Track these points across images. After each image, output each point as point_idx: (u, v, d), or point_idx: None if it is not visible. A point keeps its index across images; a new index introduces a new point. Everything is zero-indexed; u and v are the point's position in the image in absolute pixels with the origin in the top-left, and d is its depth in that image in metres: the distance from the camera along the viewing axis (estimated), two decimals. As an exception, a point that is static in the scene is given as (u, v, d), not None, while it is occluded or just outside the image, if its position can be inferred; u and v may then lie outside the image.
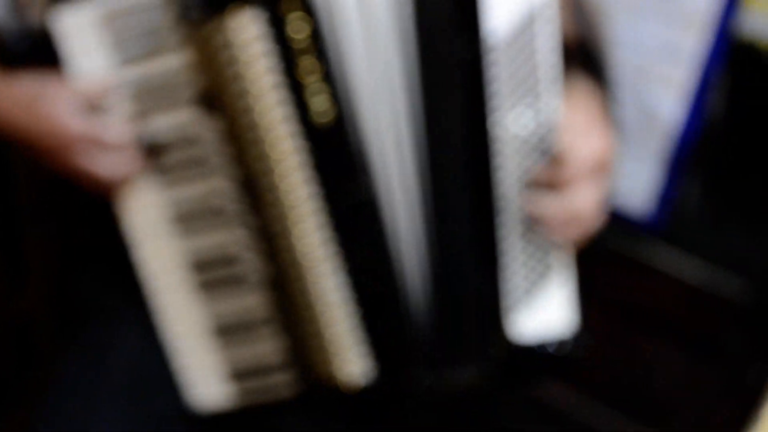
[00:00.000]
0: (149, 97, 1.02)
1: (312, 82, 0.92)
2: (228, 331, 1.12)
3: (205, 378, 1.12)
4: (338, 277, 0.99)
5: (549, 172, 0.92)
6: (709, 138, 1.52)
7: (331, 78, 0.91)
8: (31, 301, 1.74)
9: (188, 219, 1.09)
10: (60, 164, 0.99)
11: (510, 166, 0.93)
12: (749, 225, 1.53)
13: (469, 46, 0.89)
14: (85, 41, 1.00)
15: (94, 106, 0.98)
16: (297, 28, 0.91)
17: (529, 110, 0.91)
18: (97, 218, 1.09)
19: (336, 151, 0.93)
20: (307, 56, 0.91)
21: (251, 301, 1.09)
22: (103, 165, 0.98)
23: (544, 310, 0.99)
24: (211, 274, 1.10)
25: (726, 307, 1.53)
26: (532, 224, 0.95)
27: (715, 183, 1.55)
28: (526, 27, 0.90)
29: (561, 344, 1.00)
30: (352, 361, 1.01)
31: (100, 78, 0.99)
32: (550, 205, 0.93)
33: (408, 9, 0.89)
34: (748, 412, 1.61)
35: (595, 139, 0.93)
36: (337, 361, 1.02)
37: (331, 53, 0.91)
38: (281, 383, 1.10)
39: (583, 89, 0.97)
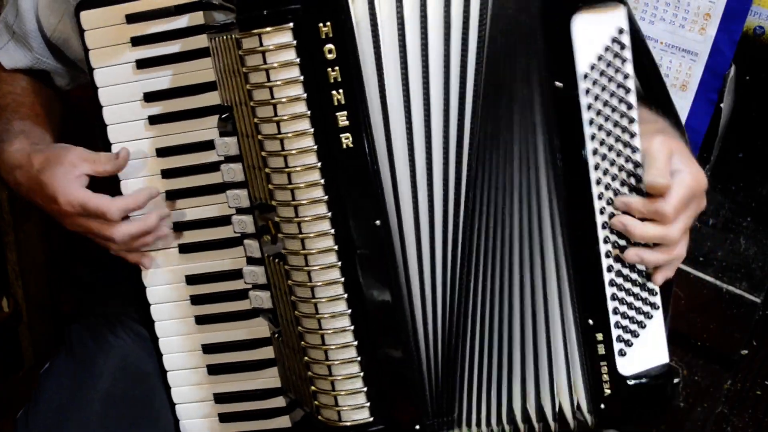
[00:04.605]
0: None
1: (338, 102, 0.89)
2: (228, 367, 1.09)
3: (196, 406, 1.11)
4: (349, 316, 0.95)
5: (650, 204, 0.93)
6: (719, 140, 1.48)
7: (359, 106, 0.90)
8: (14, 307, 1.72)
9: (200, 246, 1.06)
10: (67, 225, 1.02)
11: (606, 195, 0.95)
12: (762, 231, 1.49)
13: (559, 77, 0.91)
14: (107, 36, 1.00)
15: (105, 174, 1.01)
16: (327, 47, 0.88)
17: (618, 141, 0.93)
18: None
19: (355, 173, 0.91)
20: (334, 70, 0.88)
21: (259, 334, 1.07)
22: (104, 236, 1.00)
23: (646, 346, 1.00)
24: (219, 305, 1.07)
25: (738, 315, 1.51)
26: (625, 248, 0.96)
27: (725, 187, 1.51)
28: (609, 57, 0.92)
29: (666, 377, 1.00)
30: (358, 407, 0.98)
31: (112, 153, 1.02)
32: (650, 234, 0.94)
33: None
34: (761, 422, 1.59)
35: (694, 169, 0.95)
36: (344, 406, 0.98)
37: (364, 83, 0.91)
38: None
39: (667, 126, 1.01)
